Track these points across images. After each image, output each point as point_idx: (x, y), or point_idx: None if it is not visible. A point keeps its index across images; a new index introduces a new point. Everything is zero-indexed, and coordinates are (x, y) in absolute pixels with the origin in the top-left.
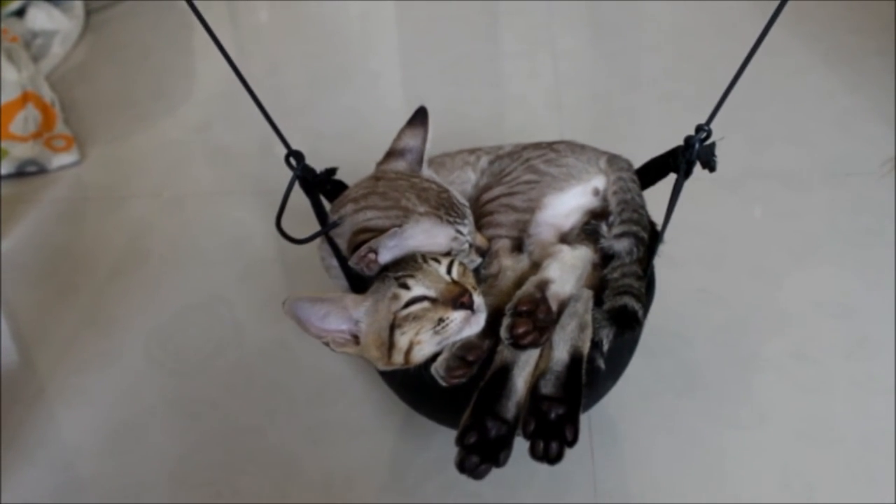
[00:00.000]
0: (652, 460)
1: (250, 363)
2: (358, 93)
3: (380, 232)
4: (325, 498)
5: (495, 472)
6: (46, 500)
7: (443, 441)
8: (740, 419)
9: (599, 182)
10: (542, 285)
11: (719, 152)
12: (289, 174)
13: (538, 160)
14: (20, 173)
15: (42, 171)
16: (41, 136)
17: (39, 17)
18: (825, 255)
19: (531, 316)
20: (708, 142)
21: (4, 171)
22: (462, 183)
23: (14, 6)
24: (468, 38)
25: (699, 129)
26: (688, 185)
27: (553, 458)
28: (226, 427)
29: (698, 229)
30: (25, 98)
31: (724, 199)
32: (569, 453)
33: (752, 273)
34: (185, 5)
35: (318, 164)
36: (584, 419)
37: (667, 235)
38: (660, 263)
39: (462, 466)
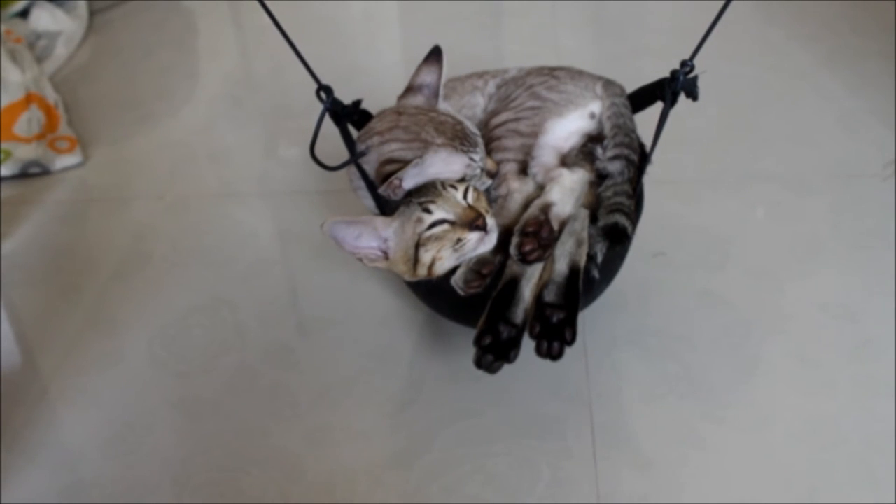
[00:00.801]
0: (654, 462)
1: (253, 365)
2: (362, 93)
3: (404, 163)
4: (327, 499)
5: (497, 474)
6: (49, 502)
7: (445, 444)
8: (743, 421)
9: (595, 107)
10: (546, 208)
11: (719, 154)
12: (289, 174)
13: (541, 87)
14: (23, 174)
15: (45, 172)
16: (45, 137)
17: (43, 18)
18: (827, 257)
19: (536, 235)
20: (691, 75)
21: (8, 172)
22: (472, 107)
23: (18, 7)
24: (471, 38)
25: (683, 63)
26: (690, 186)
27: (555, 355)
28: (229, 428)
29: (701, 232)
30: (29, 99)
31: (727, 201)
32: (570, 455)
33: (755, 275)
34: (189, 6)
35: (325, 162)
36: (587, 421)
37: (668, 239)
38: (662, 265)
39: (479, 363)
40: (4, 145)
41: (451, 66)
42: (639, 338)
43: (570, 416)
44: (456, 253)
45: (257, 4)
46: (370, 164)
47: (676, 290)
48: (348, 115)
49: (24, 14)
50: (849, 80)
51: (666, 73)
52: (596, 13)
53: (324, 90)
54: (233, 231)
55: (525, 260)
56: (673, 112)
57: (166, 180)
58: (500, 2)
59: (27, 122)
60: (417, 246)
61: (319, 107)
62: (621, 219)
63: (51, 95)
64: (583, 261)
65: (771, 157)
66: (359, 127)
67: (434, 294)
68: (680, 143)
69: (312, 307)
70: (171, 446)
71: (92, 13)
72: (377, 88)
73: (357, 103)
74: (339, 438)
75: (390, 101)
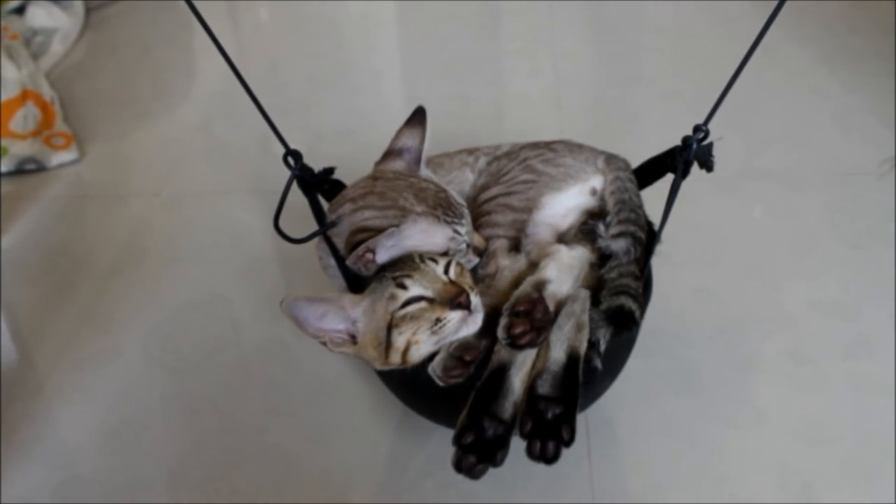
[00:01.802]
0: (650, 460)
1: (249, 362)
2: (358, 91)
3: (377, 231)
4: (322, 496)
5: (493, 473)
6: (45, 498)
7: (440, 440)
8: (738, 419)
9: (597, 182)
10: (540, 285)
11: (718, 152)
12: (287, 173)
13: (536, 160)
14: (19, 171)
15: (41, 169)
16: (41, 133)
17: (39, 15)
18: (823, 255)
19: (528, 316)
20: (706, 142)
21: (4, 168)
22: (460, 183)
23: (14, 4)
24: (469, 36)
25: (697, 129)
26: (686, 185)
27: (550, 458)
28: (224, 425)
29: (697, 229)
30: (25, 96)
31: (723, 199)
32: (566, 453)
33: (751, 273)
34: (184, 3)
35: (318, 162)
36: (582, 420)
37: (665, 236)
38: (658, 263)
39: (459, 466)
40: (1, 142)
41: (450, 65)
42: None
43: None
44: (435, 336)
45: (256, 3)
46: (341, 235)
47: (672, 287)
48: (318, 184)
49: (20, 11)
50: (846, 79)
51: (664, 72)
52: (594, 12)
53: (291, 155)
54: (229, 228)
55: (515, 344)
56: (670, 113)
57: (162, 177)
58: (497, 1)
59: (23, 119)
60: (390, 327)
61: (316, 105)
62: (627, 301)
63: (47, 92)
64: (583, 348)
65: (768, 156)
66: (329, 198)
67: (408, 386)
68: (675, 142)
69: None
70: (166, 442)
71: (88, 10)
72: (374, 87)
73: (328, 171)
74: (334, 435)
75: (384, 102)
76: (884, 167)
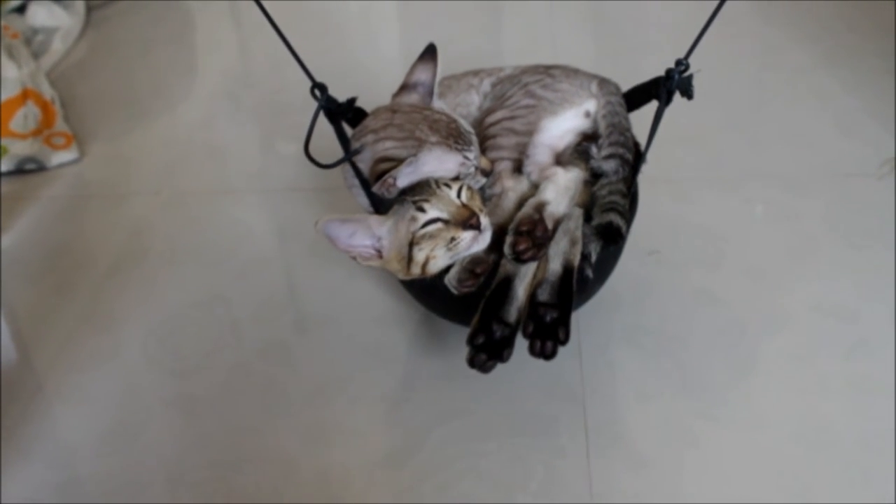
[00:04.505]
0: (648, 461)
1: (248, 362)
2: (359, 90)
3: (398, 161)
4: (320, 497)
5: (491, 472)
6: (44, 498)
7: (438, 442)
8: (737, 420)
9: (591, 105)
10: (540, 207)
11: (718, 154)
12: (286, 171)
13: (536, 85)
14: (20, 171)
15: (41, 168)
16: (41, 133)
17: (40, 14)
18: (823, 256)
19: (530, 234)
20: (686, 74)
21: (4, 168)
22: (466, 105)
23: (15, 3)
24: (469, 35)
25: (678, 62)
26: (685, 185)
27: (548, 355)
28: (223, 425)
29: (697, 230)
30: (25, 95)
31: (723, 199)
32: (564, 454)
33: (751, 274)
34: (186, 3)
35: (319, 159)
36: (581, 419)
37: (664, 237)
38: (658, 264)
39: (472, 362)
40: (1, 141)
41: (449, 62)
42: (633, 336)
43: (563, 414)
44: (450, 252)
45: (253, 2)
46: (364, 162)
47: (671, 288)
48: (343, 114)
49: (21, 10)
50: (846, 79)
51: (661, 70)
52: (594, 10)
53: (318, 88)
54: (229, 228)
55: (519, 259)
56: (669, 110)
57: (163, 177)
58: (498, 1)
59: (23, 119)
60: (411, 245)
61: (316, 104)
62: (616, 218)
63: (47, 91)
64: (577, 260)
65: (767, 156)
66: (353, 125)
67: (428, 293)
68: (676, 142)
69: (308, 305)
70: (165, 443)
71: (89, 9)
72: (375, 85)
73: (351, 101)
74: (333, 436)
75: (387, 97)
76: (884, 168)
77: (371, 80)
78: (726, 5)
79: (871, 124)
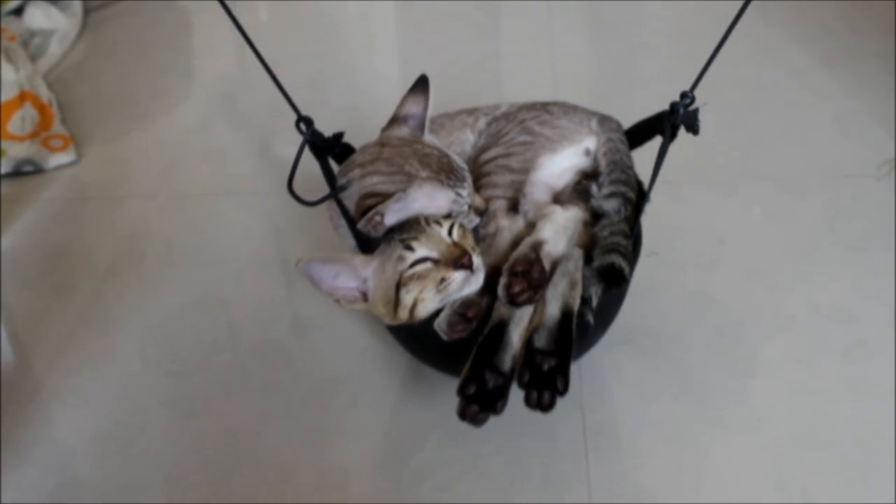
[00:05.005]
0: (647, 463)
1: (246, 364)
2: (357, 91)
3: (386, 196)
4: (318, 499)
5: (490, 473)
6: (42, 500)
7: (437, 444)
8: (736, 422)
9: (591, 143)
10: (537, 246)
11: (716, 154)
12: (284, 173)
13: (533, 122)
14: (17, 173)
15: (39, 170)
16: (38, 135)
17: (37, 16)
18: (822, 257)
19: (526, 275)
20: (692, 108)
21: (2, 170)
22: (461, 143)
23: (12, 5)
24: (467, 37)
25: (683, 95)
26: (684, 186)
27: (546, 406)
28: (221, 427)
29: (695, 232)
30: (23, 97)
31: (722, 201)
32: (563, 455)
33: (749, 275)
34: (183, 4)
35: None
36: (580, 421)
37: (663, 238)
38: (657, 266)
39: (463, 415)
40: None
41: (448, 63)
42: (632, 338)
43: (562, 416)
44: (440, 294)
45: (255, 3)
46: (351, 198)
47: (670, 290)
48: (329, 149)
49: (18, 12)
50: (845, 80)
51: (663, 72)
52: (592, 12)
53: (304, 122)
54: (227, 230)
55: (514, 302)
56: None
57: (160, 179)
58: (496, 2)
59: (21, 121)
60: (398, 286)
61: (316, 105)
62: (618, 259)
63: (45, 93)
64: (576, 304)
65: (766, 157)
66: (340, 161)
67: (415, 339)
68: (675, 143)
69: (305, 307)
70: (163, 445)
71: (86, 11)
72: (373, 88)
73: (338, 136)
74: (331, 437)
75: (385, 97)
76: (883, 169)
77: (371, 80)
78: (726, 5)
79: (870, 125)
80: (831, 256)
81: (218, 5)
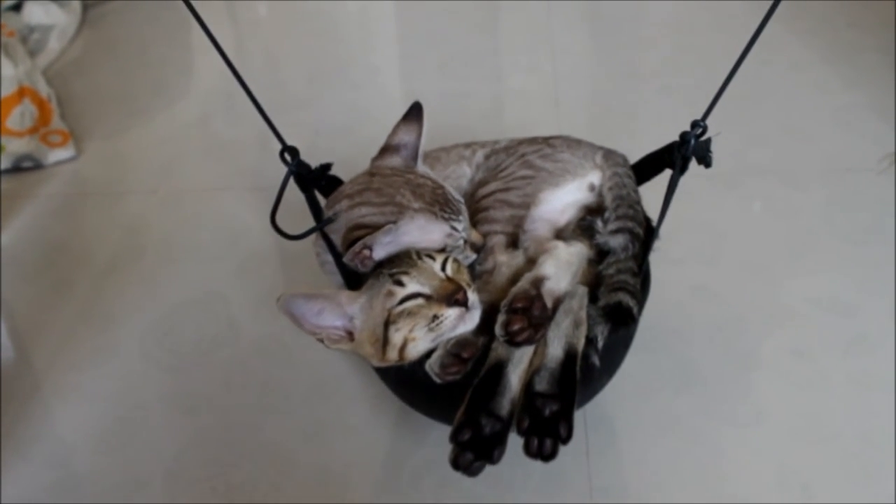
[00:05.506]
0: (648, 458)
1: (246, 359)
2: (357, 88)
3: (374, 228)
4: (320, 494)
5: (490, 470)
6: (42, 496)
7: (438, 438)
8: (737, 416)
9: (595, 177)
10: (538, 282)
11: (716, 148)
12: (283, 168)
13: (534, 155)
14: (16, 169)
15: (38, 166)
16: (37, 131)
17: (36, 12)
18: (823, 251)
19: (526, 313)
20: (703, 138)
21: (1, 166)
22: (457, 177)
23: (11, 1)
24: (467, 32)
25: (695, 124)
26: (684, 181)
27: (547, 456)
28: (221, 423)
29: (696, 226)
30: (22, 93)
31: (722, 195)
32: (564, 451)
33: (750, 270)
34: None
35: (317, 158)
36: (580, 417)
37: (663, 232)
38: (657, 260)
39: (456, 463)
40: None
41: (448, 61)
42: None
43: None
44: (432, 332)
45: (252, 2)
46: (338, 231)
47: (670, 284)
48: (315, 181)
49: (17, 7)
50: (845, 74)
51: (663, 67)
52: (592, 8)
53: (288, 151)
54: (226, 225)
55: (513, 341)
56: (669, 111)
57: (160, 174)
58: (495, 1)
59: (20, 116)
60: (387, 324)
61: (314, 102)
62: (625, 298)
63: (43, 89)
64: (581, 344)
65: (767, 152)
66: (326, 195)
67: (405, 382)
68: (676, 137)
69: None
70: (163, 441)
71: (85, 7)
72: (372, 84)
73: (325, 167)
74: (332, 433)
75: (384, 97)
76: (883, 163)
77: (369, 80)
78: (725, 2)
79: (870, 119)
80: (832, 250)
81: (216, 2)
